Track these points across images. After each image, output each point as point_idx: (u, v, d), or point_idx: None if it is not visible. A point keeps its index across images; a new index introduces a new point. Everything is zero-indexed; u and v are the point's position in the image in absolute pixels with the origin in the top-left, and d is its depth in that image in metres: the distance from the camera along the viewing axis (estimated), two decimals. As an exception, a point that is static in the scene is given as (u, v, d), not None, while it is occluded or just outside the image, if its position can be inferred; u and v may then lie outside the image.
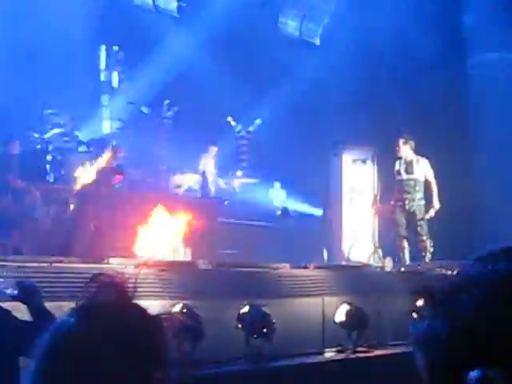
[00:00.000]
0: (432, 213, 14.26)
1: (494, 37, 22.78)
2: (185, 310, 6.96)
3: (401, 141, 14.48)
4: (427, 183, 14.41)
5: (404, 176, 14.30)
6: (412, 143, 14.56)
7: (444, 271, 11.97)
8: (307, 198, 19.52)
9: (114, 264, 8.09)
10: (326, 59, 21.28)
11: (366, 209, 13.89)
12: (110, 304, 1.51)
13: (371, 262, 12.96)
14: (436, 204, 14.33)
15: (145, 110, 18.87)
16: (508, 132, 22.81)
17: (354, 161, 13.83)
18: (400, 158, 14.31)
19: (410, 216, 14.31)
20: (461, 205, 18.81)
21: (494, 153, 23.08)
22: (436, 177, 14.94)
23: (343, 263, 12.47)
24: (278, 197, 19.86)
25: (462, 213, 18.86)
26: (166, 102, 19.00)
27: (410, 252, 14.70)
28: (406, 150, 14.39)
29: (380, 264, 12.78)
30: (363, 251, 13.50)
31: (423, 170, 14.39)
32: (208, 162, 17.72)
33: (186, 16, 20.98)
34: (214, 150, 17.70)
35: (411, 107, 21.35)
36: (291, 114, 20.63)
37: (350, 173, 13.78)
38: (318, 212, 19.04)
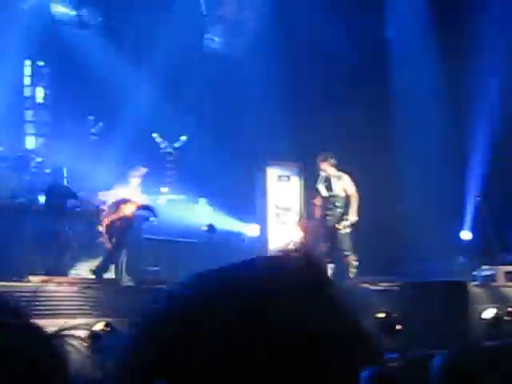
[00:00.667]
0: (345, 224, 14.42)
1: (417, 50, 23.28)
2: (107, 328, 6.88)
3: (320, 158, 14.64)
4: (348, 198, 14.59)
5: (324, 193, 14.48)
6: (332, 160, 14.70)
7: (368, 286, 12.12)
8: (233, 213, 19.54)
9: (34, 281, 7.98)
10: (251, 75, 21.37)
11: (292, 224, 13.95)
12: None
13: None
14: (351, 217, 14.48)
15: (70, 125, 18.75)
16: (431, 146, 23.24)
17: (280, 177, 13.89)
18: (319, 175, 14.49)
19: (332, 232, 14.47)
20: (385, 219, 19.10)
21: (418, 167, 23.50)
22: (358, 191, 15.11)
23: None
24: (203, 213, 19.82)
25: (386, 227, 19.14)
26: (91, 117, 18.88)
27: (336, 268, 14.84)
28: (325, 168, 14.55)
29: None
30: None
31: (344, 185, 14.56)
32: (134, 180, 17.60)
33: (110, 32, 20.91)
34: (143, 170, 17.59)
35: (336, 122, 21.63)
36: (217, 130, 20.67)
37: (275, 189, 13.83)
38: (244, 228, 19.10)
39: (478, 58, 21.70)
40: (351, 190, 14.67)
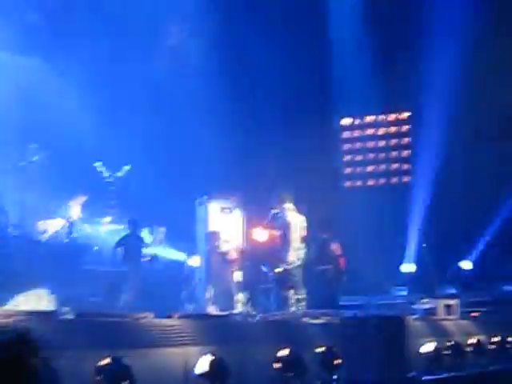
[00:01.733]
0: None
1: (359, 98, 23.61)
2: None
3: (282, 197, 14.74)
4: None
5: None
6: (290, 201, 14.78)
7: (308, 320, 12.10)
8: (176, 244, 19.47)
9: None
10: (196, 105, 21.42)
11: (232, 256, 13.93)
12: None
13: (239, 310, 12.97)
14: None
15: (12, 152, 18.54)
16: (375, 176, 23.48)
17: (222, 209, 13.90)
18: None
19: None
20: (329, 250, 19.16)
21: (361, 197, 23.73)
22: (309, 227, 15.18)
23: (208, 312, 12.43)
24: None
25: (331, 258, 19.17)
26: (33, 146, 18.69)
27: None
28: (286, 206, 14.63)
29: (246, 312, 12.81)
30: (230, 299, 13.50)
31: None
32: (75, 209, 17.45)
33: (55, 58, 20.76)
34: (82, 198, 17.43)
35: (278, 153, 21.82)
36: (161, 160, 20.63)
37: (216, 221, 13.83)
38: (187, 258, 19.05)
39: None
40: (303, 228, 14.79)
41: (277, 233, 14.80)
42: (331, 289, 17.72)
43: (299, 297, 14.77)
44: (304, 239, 14.87)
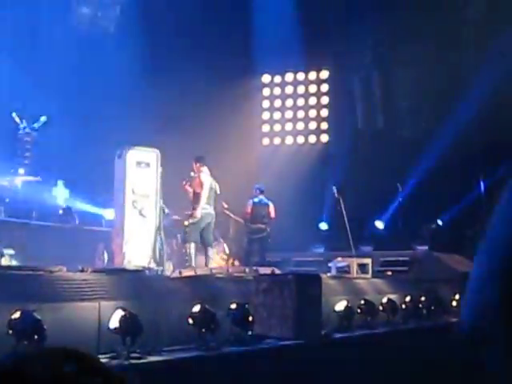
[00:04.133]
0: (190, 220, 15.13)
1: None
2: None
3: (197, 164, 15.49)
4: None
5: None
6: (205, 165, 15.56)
7: (223, 276, 12.14)
8: (92, 198, 19.26)
9: None
10: (117, 58, 21.13)
11: (149, 212, 13.83)
12: None
13: (152, 265, 12.91)
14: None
15: None
16: (295, 134, 23.55)
17: (138, 163, 13.74)
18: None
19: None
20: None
21: (282, 157, 23.80)
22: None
23: (122, 267, 12.33)
24: (61, 196, 19.40)
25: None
26: None
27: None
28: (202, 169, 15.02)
29: (161, 268, 12.77)
30: (144, 255, 13.42)
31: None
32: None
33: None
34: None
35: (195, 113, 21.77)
36: (79, 112, 20.33)
37: (133, 175, 13.68)
38: (103, 212, 18.88)
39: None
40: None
41: (190, 190, 15.36)
42: (262, 247, 18.48)
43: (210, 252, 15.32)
44: (211, 201, 15.46)
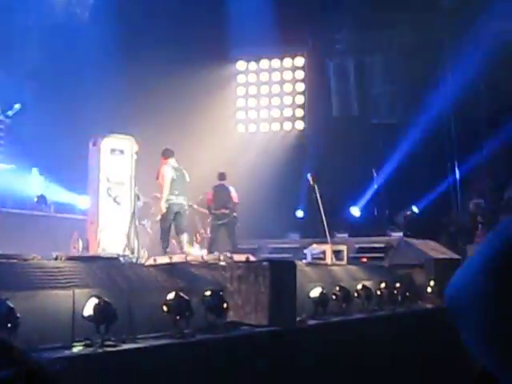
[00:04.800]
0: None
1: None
2: None
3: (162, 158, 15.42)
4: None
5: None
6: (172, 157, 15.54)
7: (197, 263, 12.12)
8: (66, 185, 19.18)
9: None
10: (92, 45, 21.02)
11: (123, 199, 13.78)
12: None
13: (126, 253, 12.87)
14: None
15: None
16: (271, 121, 23.55)
17: (113, 150, 13.67)
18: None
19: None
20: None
21: (257, 148, 23.78)
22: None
23: (96, 254, 12.29)
24: (35, 183, 19.30)
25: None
26: None
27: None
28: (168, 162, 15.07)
29: (135, 256, 12.73)
30: (118, 243, 13.38)
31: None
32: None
33: None
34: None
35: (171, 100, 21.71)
36: (53, 99, 20.19)
37: (107, 162, 13.61)
38: (77, 200, 18.82)
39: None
40: None
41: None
42: (230, 232, 18.18)
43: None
44: (179, 191, 15.39)
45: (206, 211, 18.70)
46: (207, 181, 18.81)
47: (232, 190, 18.29)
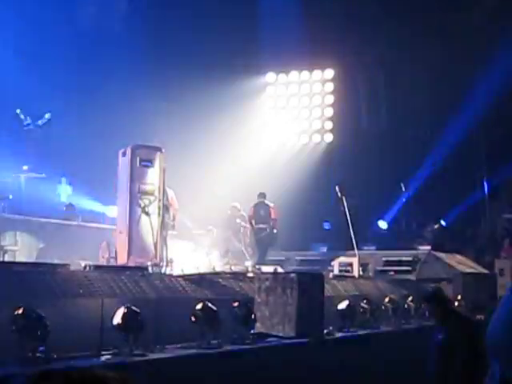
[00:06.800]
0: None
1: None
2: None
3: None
4: None
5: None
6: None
7: (226, 275, 12.15)
8: (94, 195, 19.30)
9: None
10: (122, 56, 21.17)
11: (152, 210, 13.84)
12: None
13: (155, 263, 12.92)
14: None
15: None
16: (299, 132, 23.46)
17: (143, 161, 13.73)
18: None
19: None
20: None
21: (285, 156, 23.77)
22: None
23: (125, 264, 12.36)
24: (64, 193, 19.46)
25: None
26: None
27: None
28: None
29: (164, 266, 12.79)
30: (148, 252, 13.44)
31: None
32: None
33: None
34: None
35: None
36: (83, 109, 20.35)
37: (137, 173, 13.67)
38: (105, 209, 18.92)
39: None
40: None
41: None
42: (263, 246, 19.34)
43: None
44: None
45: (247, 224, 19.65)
46: (234, 193, 18.90)
47: (271, 206, 19.52)
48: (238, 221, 19.42)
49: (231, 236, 19.44)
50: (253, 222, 19.45)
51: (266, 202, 19.56)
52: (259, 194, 19.62)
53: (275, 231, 19.36)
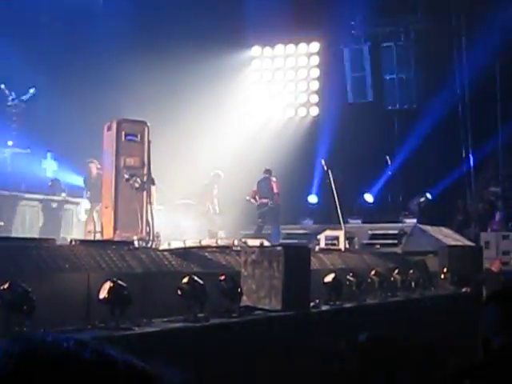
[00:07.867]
0: None
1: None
2: None
3: None
4: None
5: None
6: None
7: (212, 248, 12.14)
8: (80, 170, 19.24)
9: None
10: (106, 29, 21.02)
11: (139, 184, 13.79)
12: None
13: (142, 237, 12.92)
14: None
15: None
16: (285, 108, 23.44)
17: (128, 135, 13.67)
18: None
19: None
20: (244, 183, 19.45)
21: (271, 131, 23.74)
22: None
23: (112, 238, 12.35)
24: (50, 168, 19.38)
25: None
26: None
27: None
28: None
29: (150, 239, 12.78)
30: (133, 227, 13.42)
31: None
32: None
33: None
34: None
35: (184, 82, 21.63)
36: (67, 84, 20.23)
37: (122, 147, 13.62)
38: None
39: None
40: None
41: None
42: (270, 219, 19.90)
43: None
44: None
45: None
46: (221, 166, 18.88)
47: (273, 180, 20.02)
48: (216, 191, 19.45)
49: (209, 206, 19.38)
50: (256, 197, 19.95)
51: (269, 176, 20.12)
52: (265, 171, 20.22)
53: (278, 205, 19.89)
